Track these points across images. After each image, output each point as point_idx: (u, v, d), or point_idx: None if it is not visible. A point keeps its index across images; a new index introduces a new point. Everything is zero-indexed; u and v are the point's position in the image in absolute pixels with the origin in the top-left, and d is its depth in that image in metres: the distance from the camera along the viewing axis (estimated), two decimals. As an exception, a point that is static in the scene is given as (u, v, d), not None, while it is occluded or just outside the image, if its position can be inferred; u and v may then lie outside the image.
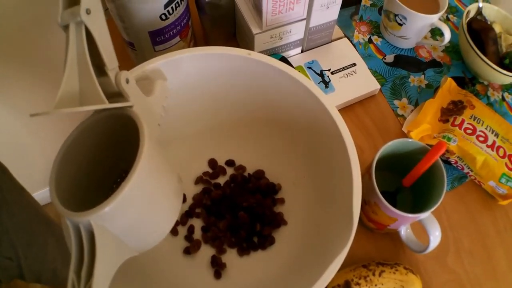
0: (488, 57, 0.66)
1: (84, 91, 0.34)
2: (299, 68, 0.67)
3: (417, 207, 0.53)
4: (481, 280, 0.56)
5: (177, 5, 0.54)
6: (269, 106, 0.54)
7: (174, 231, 0.54)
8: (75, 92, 0.34)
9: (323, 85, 0.65)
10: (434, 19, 0.66)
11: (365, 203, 0.51)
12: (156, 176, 0.36)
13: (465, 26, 0.68)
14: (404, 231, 0.54)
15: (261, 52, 0.63)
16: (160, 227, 0.39)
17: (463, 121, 0.61)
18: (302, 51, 0.69)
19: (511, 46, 0.69)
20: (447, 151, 0.60)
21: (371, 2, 0.79)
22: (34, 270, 0.81)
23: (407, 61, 0.73)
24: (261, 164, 0.58)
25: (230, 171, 0.59)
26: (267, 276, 0.51)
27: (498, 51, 0.68)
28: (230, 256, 0.53)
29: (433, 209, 0.47)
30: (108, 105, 0.34)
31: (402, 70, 0.72)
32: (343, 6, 0.63)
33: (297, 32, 0.63)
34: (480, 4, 0.71)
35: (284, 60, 0.65)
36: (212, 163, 0.59)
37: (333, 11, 0.62)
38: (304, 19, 0.61)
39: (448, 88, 0.67)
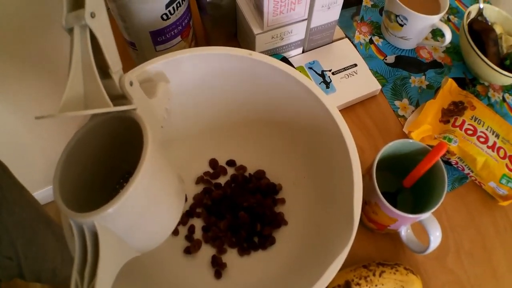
0: (489, 58, 0.66)
1: (89, 94, 0.34)
2: (300, 69, 0.67)
3: (418, 207, 0.53)
4: (481, 281, 0.56)
5: (178, 5, 0.54)
6: (270, 106, 0.54)
7: (174, 231, 0.54)
8: (80, 95, 0.34)
9: (324, 86, 0.65)
10: (435, 20, 0.66)
11: (366, 203, 0.51)
12: (159, 177, 0.36)
13: (466, 27, 0.68)
14: (405, 231, 0.54)
15: (262, 52, 0.63)
16: (163, 228, 0.39)
17: (463, 122, 0.61)
18: (303, 52, 0.69)
19: (512, 47, 0.69)
20: (448, 152, 0.60)
21: (372, 3, 0.79)
22: (33, 270, 0.81)
23: (408, 62, 0.73)
24: (262, 164, 0.58)
25: (230, 171, 0.59)
26: (267, 276, 0.51)
27: (498, 52, 0.68)
28: (231, 256, 0.53)
29: (433, 209, 0.47)
30: (113, 109, 0.34)
31: (403, 71, 0.72)
32: (344, 6, 0.64)
33: (298, 32, 0.63)
34: (481, 5, 0.71)
35: (285, 60, 0.65)
36: (213, 163, 0.59)
37: (334, 11, 0.62)
38: (305, 19, 0.61)
39: (449, 89, 0.67)
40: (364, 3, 0.78)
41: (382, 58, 0.73)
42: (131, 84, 0.37)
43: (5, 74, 0.85)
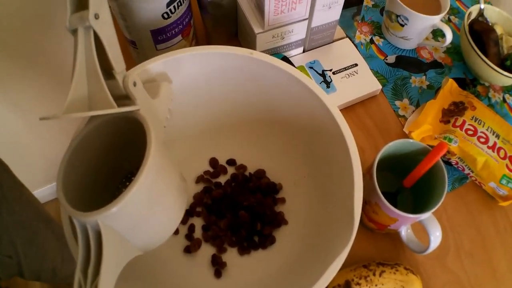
0: (489, 59, 0.66)
1: (93, 95, 0.34)
2: (301, 68, 0.67)
3: (418, 207, 0.53)
4: (481, 281, 0.56)
5: (179, 4, 0.54)
6: (270, 105, 0.54)
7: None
8: (84, 96, 0.35)
9: (325, 85, 0.65)
10: (435, 20, 0.66)
11: (366, 203, 0.51)
12: (162, 177, 0.37)
13: (466, 28, 0.68)
14: (405, 231, 0.54)
15: (263, 51, 0.63)
16: (166, 227, 0.40)
17: (464, 122, 0.61)
18: (304, 51, 0.69)
19: (513, 47, 0.69)
20: (448, 152, 0.60)
21: (373, 3, 0.79)
22: (33, 269, 0.81)
23: (409, 62, 0.73)
24: (262, 163, 0.58)
25: (231, 170, 0.59)
26: (267, 276, 0.51)
27: (499, 52, 0.68)
28: (231, 255, 0.53)
29: (434, 209, 0.47)
30: (117, 110, 0.34)
31: (403, 71, 0.72)
32: (345, 6, 0.64)
33: (299, 32, 0.63)
34: (482, 6, 0.71)
35: (286, 60, 0.65)
36: (213, 162, 0.59)
37: (335, 11, 0.62)
38: (306, 19, 0.61)
39: (449, 89, 0.67)
40: (365, 3, 0.78)
41: (382, 58, 0.73)
42: (134, 84, 0.37)
43: (6, 74, 0.86)
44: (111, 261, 0.32)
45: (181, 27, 0.58)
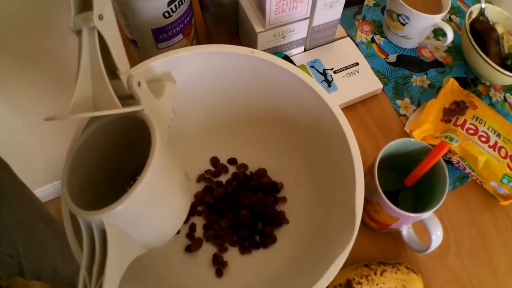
0: (490, 58, 0.66)
1: (98, 95, 0.35)
2: (302, 67, 0.67)
3: (419, 206, 0.53)
4: (481, 280, 0.56)
5: (180, 3, 0.54)
6: (272, 104, 0.54)
7: (175, 229, 0.54)
8: (89, 96, 0.35)
9: (326, 84, 0.65)
10: (437, 19, 0.66)
11: (367, 202, 0.51)
12: (167, 176, 0.37)
13: (467, 27, 0.68)
14: (406, 230, 0.54)
15: (264, 50, 0.62)
16: (171, 225, 0.40)
17: (465, 121, 0.61)
18: (305, 50, 0.69)
19: (514, 47, 0.69)
20: (449, 151, 0.60)
21: (374, 2, 0.79)
22: (34, 268, 0.81)
23: (410, 61, 0.73)
24: (263, 162, 0.58)
25: (232, 169, 0.59)
26: (268, 275, 0.51)
27: (500, 52, 0.68)
28: (232, 255, 0.53)
29: (435, 209, 0.47)
30: (122, 110, 0.34)
31: (404, 70, 0.72)
32: (346, 5, 0.63)
33: (300, 31, 0.63)
34: (483, 5, 0.71)
35: (287, 58, 0.65)
36: (214, 161, 0.59)
37: (336, 10, 0.62)
38: (307, 18, 0.61)
39: (451, 88, 0.67)
40: (366, 2, 0.78)
41: (383, 57, 0.73)
42: (139, 84, 0.37)
43: (6, 74, 0.86)
44: (116, 260, 0.32)
45: (182, 26, 0.58)
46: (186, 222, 0.55)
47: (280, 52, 0.65)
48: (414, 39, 0.71)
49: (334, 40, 0.70)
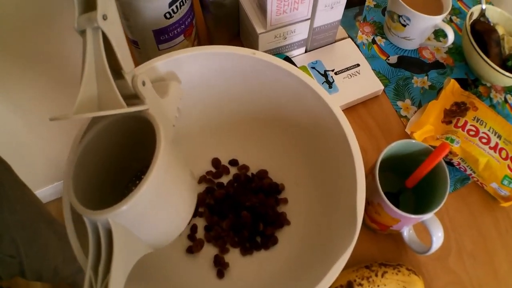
0: (491, 59, 0.66)
1: (103, 95, 0.35)
2: (303, 68, 0.67)
3: (420, 208, 0.53)
4: (482, 282, 0.56)
5: (181, 3, 0.54)
6: (273, 105, 0.54)
7: (176, 230, 0.54)
8: (94, 96, 0.35)
9: (327, 85, 0.65)
10: (437, 20, 0.66)
11: (368, 203, 0.51)
12: (172, 175, 0.37)
13: (468, 28, 0.68)
14: (407, 232, 0.54)
15: (265, 51, 0.63)
16: (176, 224, 0.40)
17: (466, 122, 0.61)
18: (306, 51, 0.69)
19: (515, 48, 0.69)
20: (450, 152, 0.60)
21: (375, 3, 0.79)
22: (35, 268, 0.81)
23: (411, 62, 0.73)
24: (265, 164, 0.58)
25: (233, 170, 0.59)
26: (269, 276, 0.51)
27: (501, 53, 0.68)
28: (233, 256, 0.53)
29: (436, 210, 0.47)
30: (127, 109, 0.35)
31: (405, 71, 0.72)
32: (347, 6, 0.63)
33: (301, 32, 0.63)
34: (483, 6, 0.71)
35: (288, 60, 0.65)
36: (216, 162, 0.59)
37: (337, 11, 0.62)
38: (308, 19, 0.61)
39: (451, 89, 0.67)
40: (367, 3, 0.78)
41: (384, 58, 0.73)
42: (143, 84, 0.38)
43: (6, 74, 0.86)
44: (121, 259, 0.33)
45: (183, 27, 0.58)
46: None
47: (281, 53, 0.65)
48: (415, 40, 0.71)
49: (335, 41, 0.70)
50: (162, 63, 0.46)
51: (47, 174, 1.28)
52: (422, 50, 0.75)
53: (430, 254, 0.50)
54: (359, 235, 0.40)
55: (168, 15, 0.54)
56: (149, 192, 0.33)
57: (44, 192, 1.32)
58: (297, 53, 0.68)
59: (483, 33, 0.68)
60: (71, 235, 0.39)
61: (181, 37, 0.59)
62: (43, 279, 0.85)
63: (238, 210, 0.55)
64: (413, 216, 0.47)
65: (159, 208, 0.36)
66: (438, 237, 0.48)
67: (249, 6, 0.61)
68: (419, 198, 0.56)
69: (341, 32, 0.71)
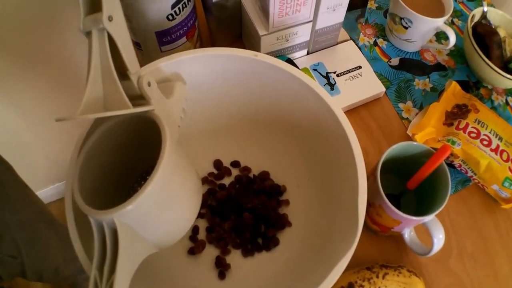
0: (493, 61, 0.66)
1: (108, 95, 0.35)
2: (305, 70, 0.67)
3: (421, 210, 0.53)
4: (483, 284, 0.56)
5: (184, 5, 0.55)
6: (275, 107, 0.54)
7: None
8: (99, 97, 0.35)
9: (329, 87, 0.66)
10: (439, 22, 0.66)
11: (370, 205, 0.51)
12: (178, 175, 0.37)
13: (470, 30, 0.68)
14: (408, 233, 0.54)
15: (267, 53, 0.63)
16: (181, 224, 0.40)
17: (467, 124, 0.62)
18: (308, 53, 0.69)
19: (516, 50, 0.69)
20: (451, 154, 0.60)
21: (376, 5, 0.80)
22: (35, 268, 0.81)
23: (412, 64, 0.73)
24: (266, 165, 0.59)
25: (235, 172, 0.59)
26: (271, 277, 0.51)
27: (502, 55, 0.68)
28: (235, 257, 0.53)
29: (437, 212, 0.47)
30: (133, 110, 0.35)
31: (407, 73, 0.72)
32: (349, 9, 0.64)
33: (303, 34, 0.63)
34: (485, 8, 0.71)
35: (290, 62, 0.66)
36: (217, 164, 0.59)
37: (339, 13, 0.62)
38: (311, 21, 0.61)
39: (453, 91, 0.67)
40: (368, 6, 0.79)
41: (386, 60, 0.73)
42: (149, 84, 0.38)
43: (6, 74, 0.86)
44: (126, 258, 0.33)
45: (185, 28, 0.58)
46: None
47: (283, 55, 0.66)
48: (417, 42, 0.72)
49: (337, 43, 0.70)
50: (164, 65, 0.46)
51: (48, 175, 1.28)
52: (423, 52, 0.75)
53: (431, 256, 0.50)
54: (360, 237, 0.40)
55: (170, 17, 0.54)
56: (154, 192, 0.33)
57: (45, 193, 1.32)
58: (299, 55, 0.68)
59: (484, 35, 0.68)
60: (73, 236, 0.39)
61: (184, 39, 0.59)
62: (43, 279, 0.85)
63: (240, 211, 0.55)
64: (414, 218, 0.47)
65: (164, 208, 0.36)
66: (439, 239, 0.48)
67: (251, 8, 0.61)
68: (421, 200, 0.56)
69: (343, 34, 0.71)
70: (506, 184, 0.59)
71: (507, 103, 0.71)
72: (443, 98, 0.66)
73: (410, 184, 0.51)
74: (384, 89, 0.67)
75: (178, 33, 0.57)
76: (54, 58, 0.87)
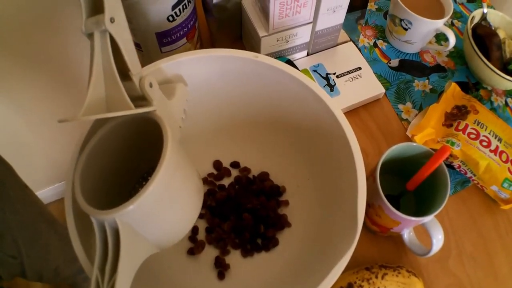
0: (492, 63, 0.66)
1: (111, 96, 0.35)
2: (305, 71, 0.67)
3: (420, 210, 0.53)
4: (482, 284, 0.56)
5: (184, 6, 0.55)
6: (275, 108, 0.54)
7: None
8: (102, 98, 0.35)
9: (328, 89, 0.66)
10: (439, 24, 0.67)
11: (369, 206, 0.51)
12: (179, 175, 0.37)
13: (469, 32, 0.68)
14: (407, 234, 0.54)
15: (267, 55, 0.63)
16: (183, 224, 0.40)
17: (466, 126, 0.62)
18: (308, 55, 0.69)
19: (515, 52, 0.69)
20: (451, 155, 0.61)
21: (376, 7, 0.80)
22: (36, 269, 0.81)
23: (412, 66, 0.73)
24: (266, 166, 0.59)
25: (234, 172, 0.59)
26: (270, 278, 0.51)
27: (502, 56, 0.68)
28: (234, 258, 0.54)
29: (436, 212, 0.48)
30: (135, 111, 0.35)
31: (406, 75, 0.72)
32: (349, 10, 0.64)
33: (303, 35, 0.63)
34: (485, 10, 0.71)
35: (290, 63, 0.66)
36: (217, 164, 0.59)
37: (339, 15, 0.63)
38: (311, 22, 0.61)
39: (452, 93, 0.67)
40: (368, 7, 0.79)
41: (386, 61, 0.73)
42: (150, 85, 0.38)
43: (7, 74, 0.86)
44: (128, 258, 0.33)
45: (186, 30, 0.58)
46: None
47: (283, 56, 0.66)
48: (417, 43, 0.72)
49: (337, 45, 0.71)
50: (165, 66, 0.46)
51: (48, 175, 1.28)
52: (423, 53, 0.75)
53: (430, 256, 0.50)
54: (360, 237, 0.40)
55: (171, 18, 0.54)
56: (156, 192, 0.33)
57: (45, 193, 1.32)
58: (299, 56, 0.68)
59: (484, 37, 0.68)
60: (73, 236, 0.39)
61: (184, 40, 0.59)
62: (43, 279, 0.85)
63: (240, 212, 0.55)
64: (413, 218, 0.47)
65: (166, 208, 0.36)
66: (438, 240, 0.48)
67: (251, 10, 0.62)
68: (420, 201, 0.56)
69: (343, 35, 0.71)
70: (506, 185, 0.59)
71: (506, 104, 0.71)
72: (443, 99, 0.66)
73: (409, 185, 0.52)
74: (383, 90, 0.67)
75: (178, 34, 0.57)
76: (55, 58, 0.88)
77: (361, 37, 0.75)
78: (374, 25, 0.77)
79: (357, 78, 0.67)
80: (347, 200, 0.44)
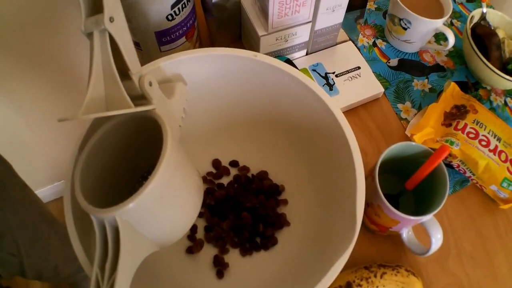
0: (492, 62, 0.66)
1: (110, 96, 0.35)
2: (304, 71, 0.67)
3: (420, 210, 0.53)
4: (482, 284, 0.56)
5: (183, 6, 0.55)
6: (274, 107, 0.54)
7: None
8: (101, 97, 0.35)
9: (328, 88, 0.66)
10: (438, 23, 0.67)
11: (368, 205, 0.51)
12: (179, 173, 0.38)
13: (469, 31, 0.68)
14: (406, 233, 0.54)
15: (267, 54, 0.63)
16: (182, 223, 0.41)
17: (466, 125, 0.62)
18: (307, 54, 0.69)
19: (515, 51, 0.69)
20: (450, 155, 0.61)
21: (376, 6, 0.80)
22: (35, 268, 0.81)
23: (411, 65, 0.73)
24: (265, 165, 0.59)
25: (233, 171, 0.59)
26: (269, 277, 0.51)
27: (501, 56, 0.68)
28: (233, 256, 0.54)
29: (435, 212, 0.48)
30: (134, 109, 0.35)
31: (406, 74, 0.72)
32: (348, 9, 0.64)
33: (302, 34, 0.63)
34: (484, 10, 0.71)
35: (289, 62, 0.66)
36: (216, 163, 0.59)
37: (338, 14, 0.63)
38: (310, 22, 0.61)
39: (452, 92, 0.67)
40: (368, 6, 0.79)
41: (385, 61, 0.73)
42: (150, 84, 0.38)
43: (8, 74, 0.86)
44: (128, 257, 0.33)
45: (185, 29, 0.58)
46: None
47: (282, 55, 0.66)
48: (416, 43, 0.72)
49: (336, 44, 0.71)
50: (164, 65, 0.46)
51: (48, 174, 1.28)
52: (422, 53, 0.75)
53: (429, 256, 0.50)
54: (359, 236, 0.40)
55: (170, 17, 0.54)
56: (156, 190, 0.33)
57: (44, 192, 1.32)
58: (298, 56, 0.68)
59: (483, 36, 0.68)
60: (72, 235, 0.39)
61: (183, 39, 0.59)
62: (43, 278, 0.85)
63: (238, 211, 0.55)
64: (412, 217, 0.47)
65: (166, 206, 0.36)
66: (437, 239, 0.48)
67: (251, 9, 0.62)
68: (419, 200, 0.56)
69: (342, 35, 0.71)
70: (505, 184, 0.59)
71: (506, 104, 0.71)
72: (442, 98, 0.66)
73: (408, 184, 0.52)
74: (383, 90, 0.67)
75: (177, 33, 0.57)
76: (55, 58, 0.88)
77: (360, 36, 0.75)
78: (373, 24, 0.77)
79: (356, 78, 0.67)
80: (347, 199, 0.44)
